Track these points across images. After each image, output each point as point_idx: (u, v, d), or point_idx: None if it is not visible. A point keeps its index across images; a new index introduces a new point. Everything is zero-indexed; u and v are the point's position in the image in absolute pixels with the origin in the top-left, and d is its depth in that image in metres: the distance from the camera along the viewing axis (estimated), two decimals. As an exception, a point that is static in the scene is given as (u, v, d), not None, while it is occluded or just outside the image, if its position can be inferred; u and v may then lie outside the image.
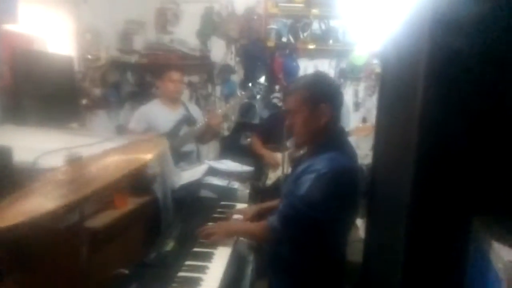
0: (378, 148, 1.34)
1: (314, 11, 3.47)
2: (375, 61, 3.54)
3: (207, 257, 1.41)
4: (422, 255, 0.82)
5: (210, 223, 1.70)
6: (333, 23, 3.54)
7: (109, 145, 1.68)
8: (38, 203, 1.07)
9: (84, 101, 3.35)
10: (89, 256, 1.17)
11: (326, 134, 1.43)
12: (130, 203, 1.72)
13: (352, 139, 2.65)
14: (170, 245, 1.47)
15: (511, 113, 0.76)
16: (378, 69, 3.52)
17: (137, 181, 1.69)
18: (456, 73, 0.76)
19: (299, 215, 1.33)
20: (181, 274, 1.29)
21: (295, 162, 2.61)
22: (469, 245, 0.78)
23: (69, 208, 1.32)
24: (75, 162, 1.07)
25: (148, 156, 1.08)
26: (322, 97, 1.42)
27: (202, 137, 2.91)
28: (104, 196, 1.53)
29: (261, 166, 2.95)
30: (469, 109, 0.77)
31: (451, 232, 0.80)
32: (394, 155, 1.01)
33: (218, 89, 3.82)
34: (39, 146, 1.63)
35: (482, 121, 0.77)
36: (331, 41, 3.53)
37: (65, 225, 1.36)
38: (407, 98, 0.88)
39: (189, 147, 2.85)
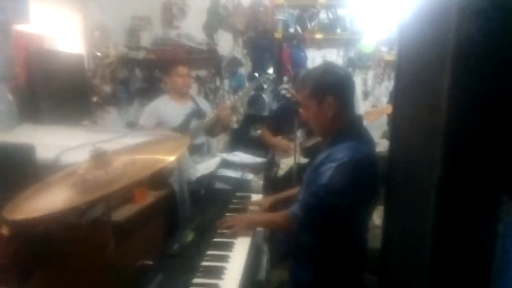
0: (396, 134, 1.34)
1: (321, 0, 3.44)
2: (384, 49, 3.51)
3: (228, 246, 1.43)
4: (452, 232, 0.84)
5: (228, 214, 1.72)
6: (340, 12, 3.50)
7: (126, 140, 1.71)
8: (63, 197, 1.09)
9: (94, 99, 3.39)
10: (114, 248, 1.20)
11: (340, 124, 1.44)
12: (149, 197, 1.76)
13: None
14: (190, 236, 1.50)
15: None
16: (386, 57, 3.50)
17: (156, 176, 1.72)
18: (483, 60, 0.76)
19: (321, 203, 1.35)
20: (204, 263, 1.32)
21: (308, 152, 2.64)
22: (499, 221, 0.79)
23: (97, 203, 1.35)
24: (100, 157, 1.09)
25: (173, 157, 1.09)
26: (326, 90, 1.42)
27: (212, 130, 2.92)
28: (127, 191, 1.56)
29: (272, 157, 2.96)
30: (496, 90, 0.77)
31: (481, 209, 0.81)
32: (415, 139, 1.02)
33: (226, 82, 3.82)
34: (59, 143, 1.66)
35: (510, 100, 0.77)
36: (338, 30, 3.50)
37: (90, 219, 1.40)
38: (432, 84, 0.88)
39: (200, 140, 2.87)
